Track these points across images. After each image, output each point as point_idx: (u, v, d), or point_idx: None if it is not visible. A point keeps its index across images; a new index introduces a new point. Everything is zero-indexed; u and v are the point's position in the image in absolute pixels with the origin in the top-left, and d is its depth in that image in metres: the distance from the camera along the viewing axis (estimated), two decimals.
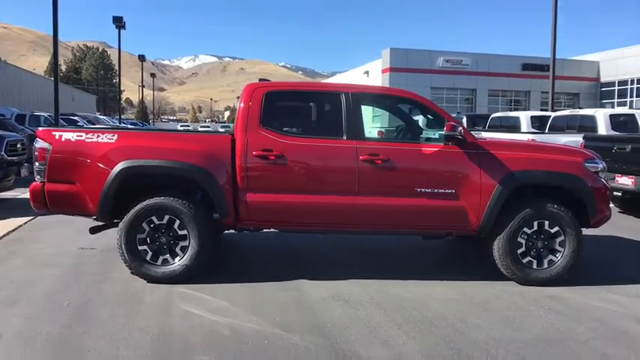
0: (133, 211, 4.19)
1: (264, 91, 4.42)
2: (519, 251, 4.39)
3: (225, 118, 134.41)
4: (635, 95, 35.11)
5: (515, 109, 34.24)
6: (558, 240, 4.41)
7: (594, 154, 4.68)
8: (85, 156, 4.21)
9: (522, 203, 4.37)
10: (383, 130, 18.36)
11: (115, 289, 4.10)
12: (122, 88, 70.53)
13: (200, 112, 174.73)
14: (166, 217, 4.24)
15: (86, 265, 4.79)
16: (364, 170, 4.28)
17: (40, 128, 4.40)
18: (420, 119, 5.19)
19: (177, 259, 4.26)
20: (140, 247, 4.25)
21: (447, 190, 4.34)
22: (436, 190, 4.33)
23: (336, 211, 4.33)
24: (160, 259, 4.27)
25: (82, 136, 4.25)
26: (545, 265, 4.41)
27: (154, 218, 4.23)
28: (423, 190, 4.32)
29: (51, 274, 4.45)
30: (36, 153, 4.27)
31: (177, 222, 4.23)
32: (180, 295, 3.98)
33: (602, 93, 37.91)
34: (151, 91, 61.16)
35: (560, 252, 4.41)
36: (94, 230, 4.56)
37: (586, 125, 10.57)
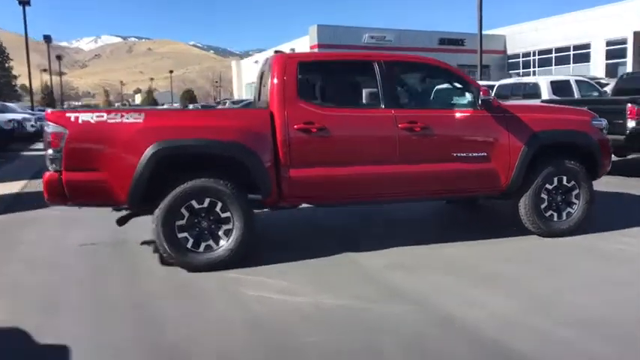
0: (170, 196, 3.85)
1: (297, 62, 4.22)
2: (542, 206, 4.69)
3: (139, 102, 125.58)
4: (537, 66, 38.40)
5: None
6: (574, 193, 4.77)
7: (595, 114, 5.09)
8: (109, 139, 3.77)
9: (544, 161, 4.65)
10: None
11: (159, 284, 3.77)
12: (17, 74, 63.48)
13: (107, 96, 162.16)
14: (207, 201, 3.94)
15: (101, 262, 4.33)
16: (404, 138, 4.29)
17: (49, 110, 3.85)
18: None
19: (221, 244, 4.00)
20: (180, 235, 3.93)
21: (480, 154, 4.49)
22: (471, 154, 4.47)
23: (378, 181, 4.31)
24: (202, 245, 3.98)
25: (102, 116, 3.79)
26: (564, 217, 4.76)
27: (193, 202, 3.92)
28: (459, 154, 4.44)
29: (69, 277, 3.95)
30: (48, 139, 3.74)
31: (220, 204, 3.96)
32: (237, 282, 3.76)
33: (509, 64, 40.97)
34: (50, 76, 55.64)
35: (576, 204, 4.77)
36: (121, 221, 4.13)
37: (530, 92, 11.43)
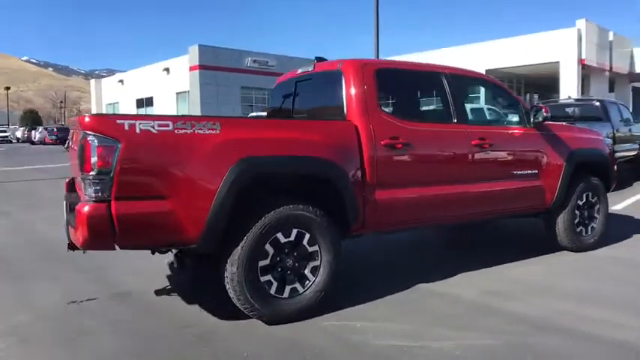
0: (256, 229, 2.98)
1: (375, 69, 3.70)
2: (575, 222, 4.83)
3: None
4: None
5: None
6: (596, 208, 5.02)
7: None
8: (177, 155, 2.79)
9: (577, 178, 4.81)
10: None
11: (249, 344, 2.86)
12: None
13: None
14: (294, 232, 3.16)
15: (131, 323, 3.19)
16: (475, 156, 4.04)
17: (88, 115, 2.70)
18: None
19: (307, 285, 3.23)
20: (263, 278, 3.07)
21: (533, 171, 4.46)
22: (527, 172, 4.41)
23: (454, 202, 3.97)
24: (287, 289, 3.16)
25: (167, 125, 2.79)
26: (589, 232, 4.97)
27: (279, 236, 3.10)
28: (517, 172, 4.35)
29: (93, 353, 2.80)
30: (90, 156, 2.61)
31: (307, 236, 3.21)
32: (350, 331, 3.03)
33: None
34: None
35: (597, 218, 5.03)
36: (181, 265, 3.06)
37: None
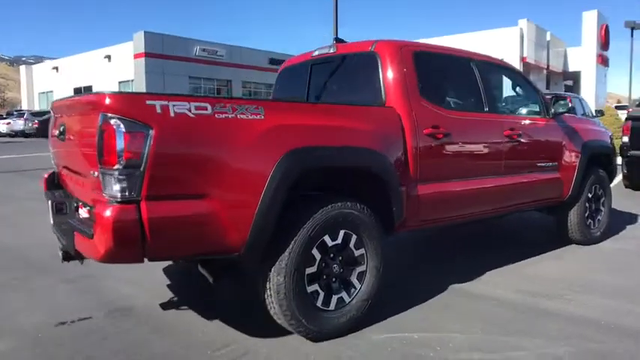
0: (304, 232, 2.55)
1: (413, 51, 3.35)
2: (585, 214, 4.76)
3: None
4: None
5: None
6: (602, 201, 4.99)
7: None
8: (218, 144, 2.30)
9: (588, 171, 4.73)
10: None
11: None
12: None
13: None
14: (341, 234, 2.75)
15: (139, 354, 2.66)
16: (508, 147, 3.82)
17: (109, 94, 2.12)
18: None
19: (353, 294, 2.84)
20: (310, 288, 2.65)
21: (553, 163, 4.33)
22: (548, 164, 4.27)
23: (489, 196, 3.73)
24: (334, 299, 2.76)
25: (206, 109, 2.29)
26: (596, 225, 4.93)
27: (326, 238, 2.68)
28: (540, 164, 4.19)
29: None
30: (118, 146, 2.07)
31: (354, 238, 2.81)
32: (402, 346, 2.68)
33: None
34: None
35: (602, 211, 5.00)
36: (216, 277, 2.54)
37: None
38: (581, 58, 30.29)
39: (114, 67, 33.23)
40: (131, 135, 2.08)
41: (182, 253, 2.35)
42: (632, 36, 29.91)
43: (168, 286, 3.63)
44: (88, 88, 35.54)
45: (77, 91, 36.75)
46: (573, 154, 4.47)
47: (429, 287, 3.53)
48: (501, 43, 27.31)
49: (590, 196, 4.79)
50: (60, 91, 38.82)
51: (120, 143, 2.06)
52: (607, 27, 30.69)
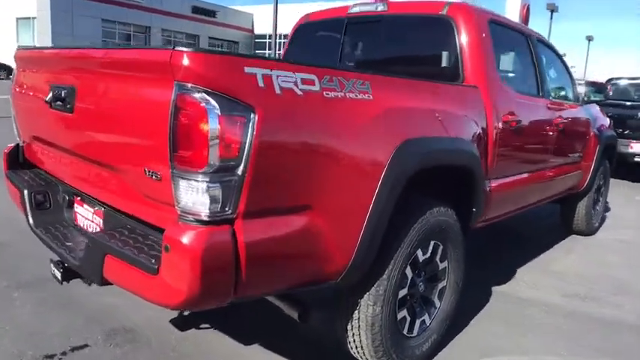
0: (404, 248, 1.98)
1: (488, 19, 2.80)
2: (592, 205, 4.67)
3: None
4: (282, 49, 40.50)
5: None
6: (602, 190, 4.95)
7: None
8: (327, 134, 1.62)
9: (602, 161, 4.59)
10: None
11: None
12: None
13: None
14: (432, 245, 2.23)
15: None
16: (557, 135, 3.49)
17: (187, 51, 1.33)
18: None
19: (433, 315, 2.35)
20: (400, 315, 2.11)
21: (580, 152, 4.11)
22: (577, 153, 4.05)
23: (540, 187, 3.43)
24: (417, 323, 2.25)
25: (313, 82, 1.58)
26: (595, 215, 4.89)
27: (419, 253, 2.14)
28: (572, 153, 3.95)
29: None
30: (211, 137, 1.32)
31: (441, 249, 2.30)
32: None
33: (256, 44, 41.99)
34: None
35: (600, 201, 4.96)
36: (304, 313, 1.86)
37: None
38: None
39: (10, 0, 28.63)
40: (229, 120, 1.34)
41: (278, 287, 1.66)
42: (551, 18, 31.74)
43: None
44: None
45: None
46: (593, 142, 4.30)
47: (472, 292, 3.15)
48: None
49: (596, 187, 4.70)
50: None
51: (213, 132, 1.32)
52: (528, 6, 32.25)
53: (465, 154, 2.30)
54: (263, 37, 41.30)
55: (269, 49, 41.18)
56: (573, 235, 4.66)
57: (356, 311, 1.97)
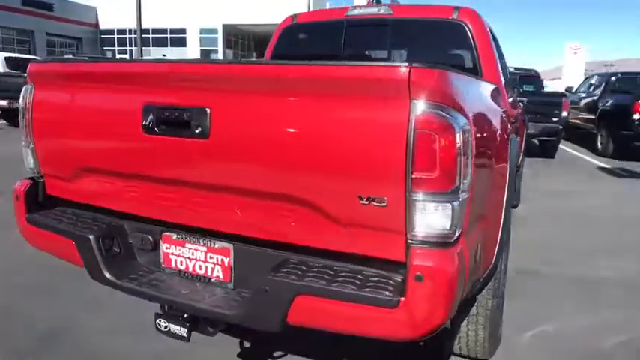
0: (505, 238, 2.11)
1: (485, 22, 3.05)
2: None
3: None
4: (133, 44, 37.22)
5: (21, 52, 28.97)
6: None
7: None
8: (502, 139, 1.76)
9: None
10: None
11: None
12: None
13: None
14: None
15: None
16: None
17: (416, 67, 1.19)
18: None
19: None
20: None
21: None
22: None
23: None
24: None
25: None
26: None
27: None
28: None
29: None
30: (457, 153, 1.27)
31: None
32: None
33: (102, 40, 38.03)
34: None
35: None
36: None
37: None
38: None
39: None
40: (465, 136, 1.30)
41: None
42: None
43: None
44: None
45: None
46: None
47: None
48: (290, 7, 28.22)
49: None
50: None
51: (458, 150, 1.27)
52: None
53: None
54: (111, 32, 37.63)
55: (119, 46, 37.71)
56: None
57: (474, 307, 2.05)
